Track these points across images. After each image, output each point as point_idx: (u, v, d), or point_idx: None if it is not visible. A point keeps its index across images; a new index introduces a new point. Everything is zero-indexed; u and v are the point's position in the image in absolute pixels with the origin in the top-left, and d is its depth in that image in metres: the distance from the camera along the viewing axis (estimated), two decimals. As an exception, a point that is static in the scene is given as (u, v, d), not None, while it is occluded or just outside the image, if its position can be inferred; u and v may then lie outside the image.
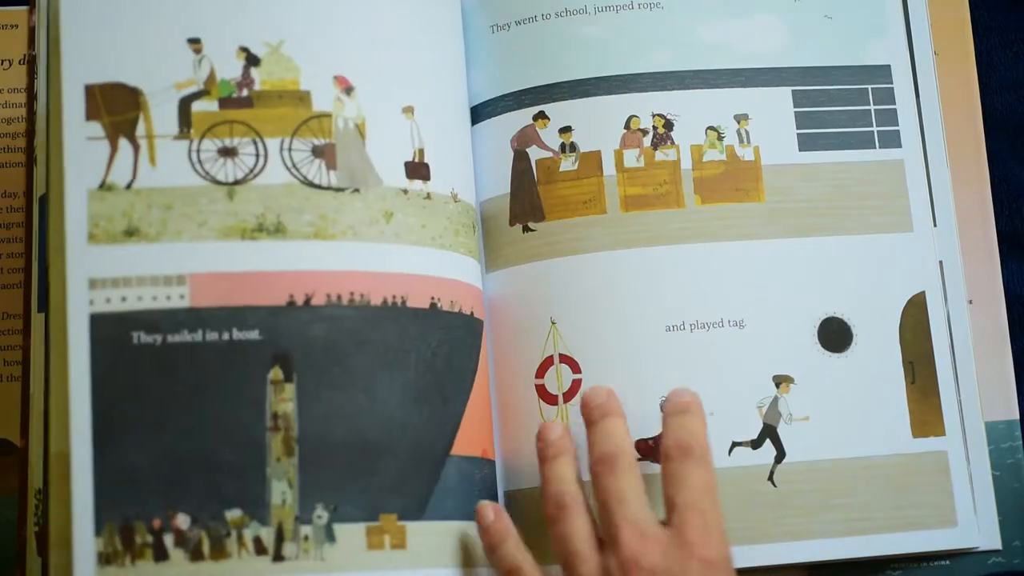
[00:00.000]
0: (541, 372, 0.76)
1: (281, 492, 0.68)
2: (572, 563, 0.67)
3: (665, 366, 0.75)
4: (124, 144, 0.71)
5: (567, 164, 0.78)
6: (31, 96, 0.78)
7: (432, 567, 0.70)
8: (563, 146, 0.78)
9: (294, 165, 0.72)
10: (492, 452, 0.75)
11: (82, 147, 0.70)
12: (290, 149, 0.73)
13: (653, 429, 0.73)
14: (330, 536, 0.68)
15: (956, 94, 0.82)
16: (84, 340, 0.68)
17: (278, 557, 0.67)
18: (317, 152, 0.73)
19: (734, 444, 0.74)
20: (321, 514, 0.68)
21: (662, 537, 0.66)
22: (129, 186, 0.70)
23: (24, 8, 0.82)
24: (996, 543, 0.76)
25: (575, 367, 0.76)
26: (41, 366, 0.72)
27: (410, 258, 0.73)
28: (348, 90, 0.74)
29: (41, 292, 0.74)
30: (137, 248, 0.69)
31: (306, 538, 0.68)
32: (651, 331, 0.76)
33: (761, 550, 0.74)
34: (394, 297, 0.72)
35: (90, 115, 0.71)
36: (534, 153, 0.78)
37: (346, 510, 0.69)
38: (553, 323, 0.76)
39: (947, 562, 0.76)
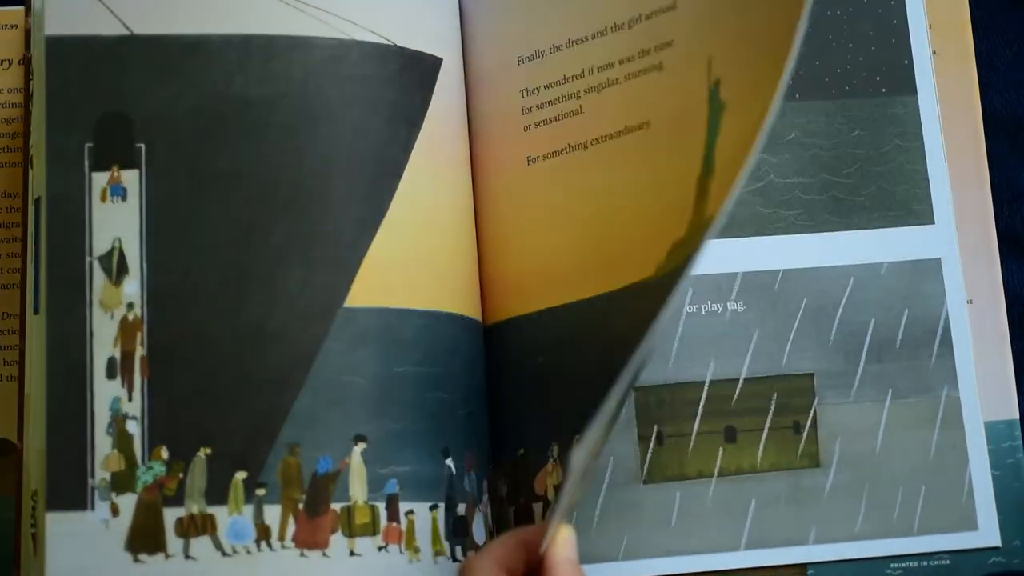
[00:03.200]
0: None
1: None
2: None
3: None
4: None
5: None
6: (27, 97, 0.78)
7: None
8: None
9: None
10: None
11: None
12: None
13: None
14: None
15: (956, 94, 0.82)
16: None
17: None
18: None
19: None
20: None
21: None
22: None
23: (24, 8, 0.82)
24: (996, 542, 0.76)
25: None
26: (39, 367, 0.73)
27: None
28: None
29: (36, 294, 0.74)
30: None
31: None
32: None
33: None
34: None
35: None
36: None
37: None
38: None
39: (947, 562, 0.76)
